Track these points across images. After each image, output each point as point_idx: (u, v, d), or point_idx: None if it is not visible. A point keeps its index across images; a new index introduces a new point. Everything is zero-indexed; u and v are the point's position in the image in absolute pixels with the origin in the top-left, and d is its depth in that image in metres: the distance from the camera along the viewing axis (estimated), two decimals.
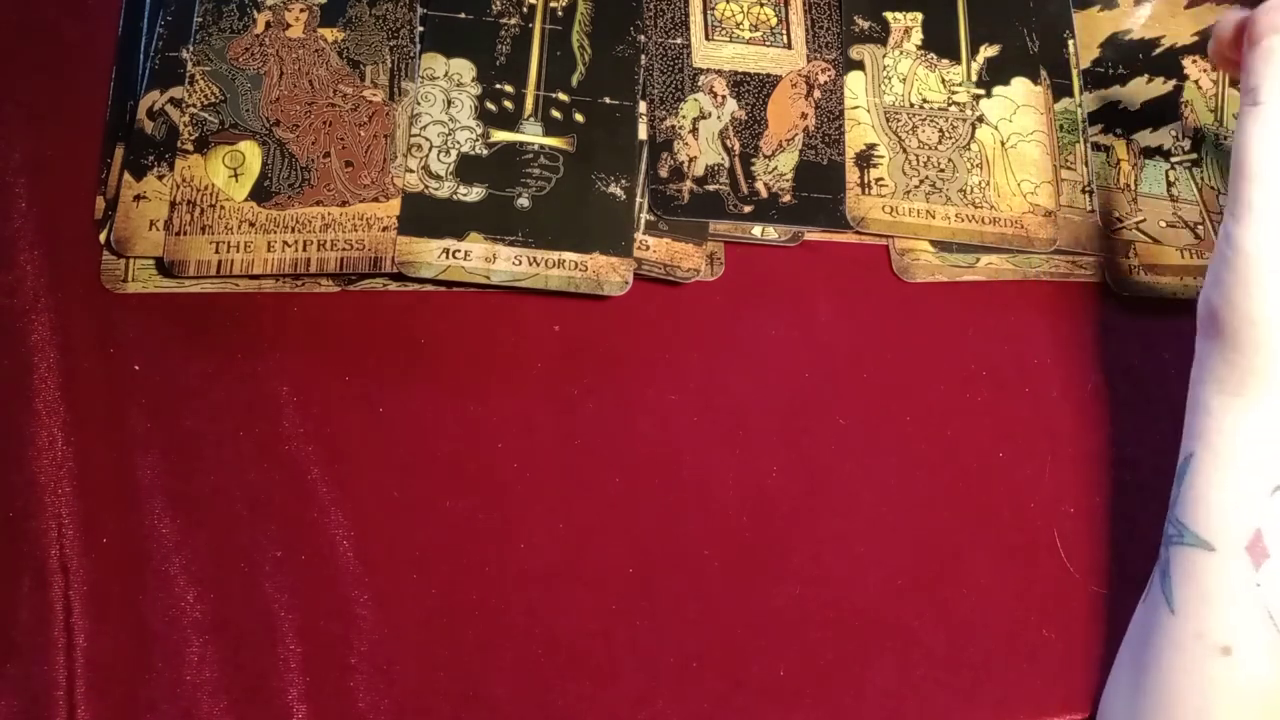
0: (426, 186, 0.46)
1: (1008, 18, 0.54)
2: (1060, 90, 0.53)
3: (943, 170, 0.50)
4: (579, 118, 0.49)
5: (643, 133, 0.49)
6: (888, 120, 0.51)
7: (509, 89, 0.48)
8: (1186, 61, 0.55)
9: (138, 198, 0.44)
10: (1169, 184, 0.52)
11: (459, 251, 0.45)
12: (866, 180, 0.50)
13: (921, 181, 0.50)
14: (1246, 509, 0.38)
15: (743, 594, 0.43)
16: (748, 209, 0.49)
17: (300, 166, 0.46)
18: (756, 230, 0.49)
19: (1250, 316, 0.38)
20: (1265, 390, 0.38)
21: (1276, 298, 0.37)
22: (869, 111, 0.51)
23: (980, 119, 0.52)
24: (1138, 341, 0.50)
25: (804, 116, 0.51)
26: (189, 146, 0.45)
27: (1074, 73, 0.54)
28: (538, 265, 0.46)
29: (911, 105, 0.52)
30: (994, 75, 0.53)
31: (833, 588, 0.44)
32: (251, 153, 0.46)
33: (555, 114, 0.48)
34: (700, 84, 0.50)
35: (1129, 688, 0.40)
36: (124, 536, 0.41)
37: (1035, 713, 0.43)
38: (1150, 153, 0.53)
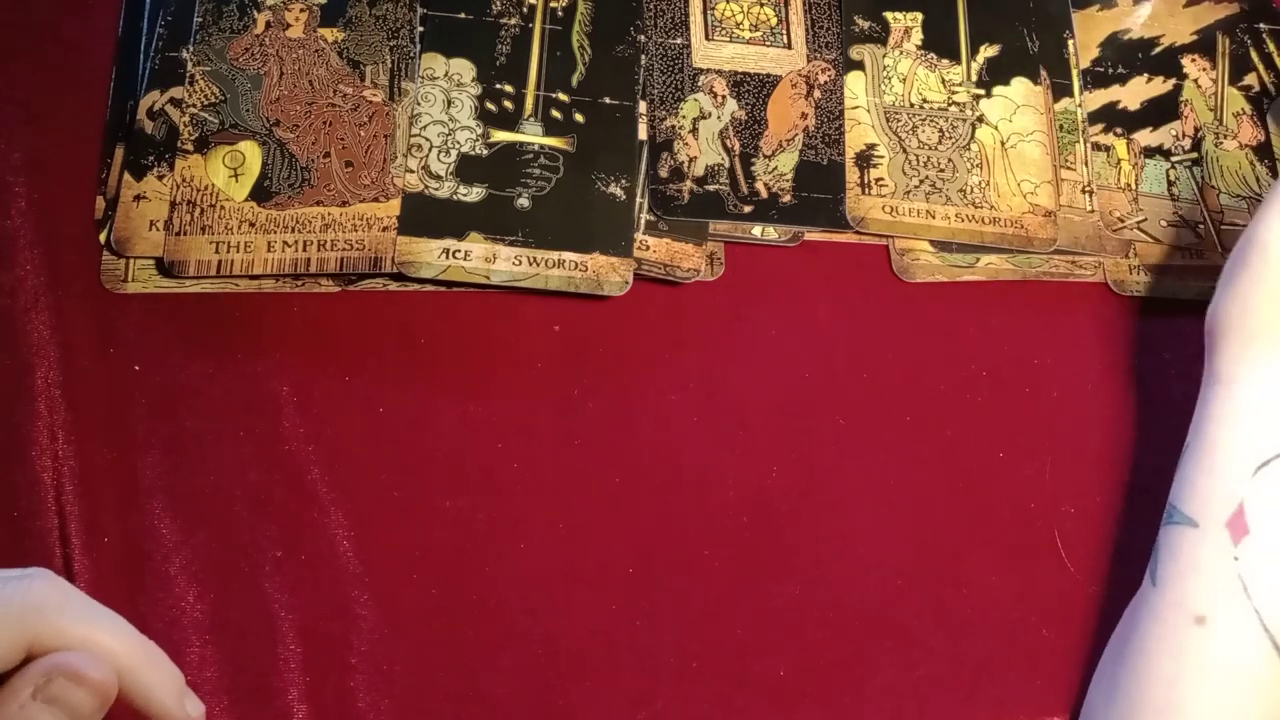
0: (426, 186, 0.46)
1: (1008, 18, 0.54)
2: (1060, 90, 0.53)
3: (943, 170, 0.51)
4: (579, 118, 0.49)
5: (643, 133, 0.49)
6: (888, 120, 0.51)
7: (509, 89, 0.48)
8: (1186, 60, 0.55)
9: (138, 198, 0.44)
10: (1169, 184, 0.52)
11: (459, 251, 0.45)
12: (866, 180, 0.50)
13: (921, 181, 0.50)
14: (1229, 486, 0.39)
15: (743, 594, 0.43)
16: (748, 209, 0.49)
17: (300, 166, 0.46)
18: (756, 230, 0.49)
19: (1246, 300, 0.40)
20: (1248, 371, 0.40)
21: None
22: (869, 111, 0.51)
23: (980, 119, 0.52)
24: (1138, 341, 0.50)
25: (804, 116, 0.51)
26: (189, 146, 0.45)
27: (1074, 73, 0.54)
28: (538, 265, 0.46)
29: (911, 105, 0.52)
30: (994, 75, 0.53)
31: (833, 588, 0.44)
32: (251, 153, 0.46)
33: (555, 114, 0.48)
34: (700, 84, 0.50)
35: (1111, 663, 0.41)
36: (124, 536, 0.41)
37: (1035, 713, 0.43)
38: (1150, 152, 0.53)
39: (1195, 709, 0.37)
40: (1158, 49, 0.55)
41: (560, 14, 0.50)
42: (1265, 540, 0.38)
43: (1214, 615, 0.38)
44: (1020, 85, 0.53)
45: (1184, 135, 0.53)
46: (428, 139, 0.47)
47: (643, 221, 0.48)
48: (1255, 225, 0.41)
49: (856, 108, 0.51)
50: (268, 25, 0.48)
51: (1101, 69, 0.54)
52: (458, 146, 0.47)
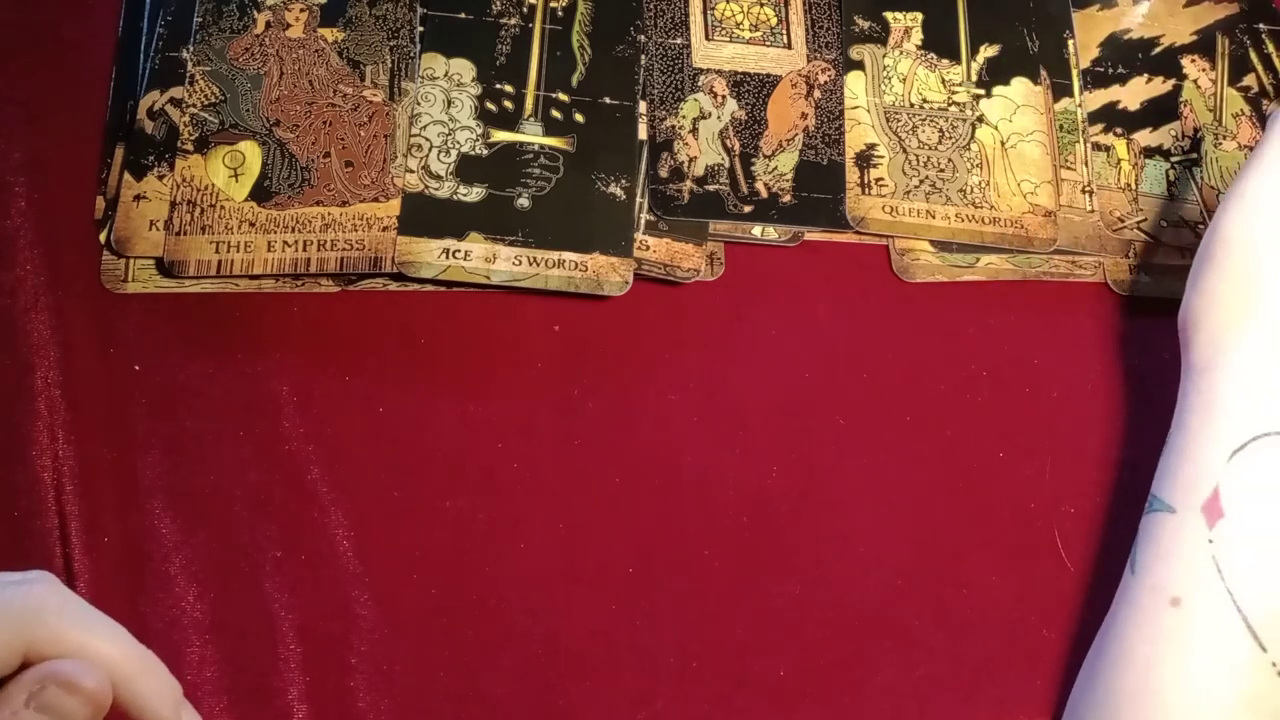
0: (426, 186, 0.46)
1: (1008, 18, 0.54)
2: (1060, 90, 0.53)
3: (943, 170, 0.51)
4: (579, 118, 0.49)
5: (643, 133, 0.49)
6: (888, 120, 0.51)
7: (509, 89, 0.48)
8: (1185, 60, 0.55)
9: (138, 198, 0.44)
10: (1169, 183, 0.52)
11: (459, 251, 0.45)
12: (866, 180, 0.50)
13: (921, 181, 0.50)
14: (1205, 472, 0.39)
15: (743, 594, 0.43)
16: (748, 209, 0.49)
17: (300, 166, 0.46)
18: (756, 230, 0.49)
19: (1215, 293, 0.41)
20: (1222, 360, 0.40)
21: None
22: (869, 111, 0.51)
23: (980, 119, 0.52)
24: (1138, 341, 0.50)
25: (804, 116, 0.51)
26: (189, 146, 0.45)
27: (1074, 73, 0.54)
28: (538, 265, 0.46)
29: (911, 105, 0.52)
30: (994, 75, 0.53)
31: (833, 588, 0.44)
32: (251, 153, 0.46)
33: (555, 114, 0.48)
34: (700, 84, 0.50)
35: (1094, 652, 0.41)
36: (124, 536, 0.41)
37: (1035, 713, 0.43)
38: (1150, 152, 0.53)
39: (1172, 691, 0.37)
40: (1157, 49, 0.55)
41: (560, 14, 0.50)
42: (1239, 523, 0.38)
43: (1189, 597, 0.38)
44: (1020, 85, 0.53)
45: (1183, 135, 0.53)
46: (428, 139, 0.47)
47: (643, 221, 0.48)
48: (1218, 219, 0.42)
49: (856, 108, 0.51)
50: (268, 25, 0.48)
51: (1101, 69, 0.54)
52: (458, 146, 0.47)
